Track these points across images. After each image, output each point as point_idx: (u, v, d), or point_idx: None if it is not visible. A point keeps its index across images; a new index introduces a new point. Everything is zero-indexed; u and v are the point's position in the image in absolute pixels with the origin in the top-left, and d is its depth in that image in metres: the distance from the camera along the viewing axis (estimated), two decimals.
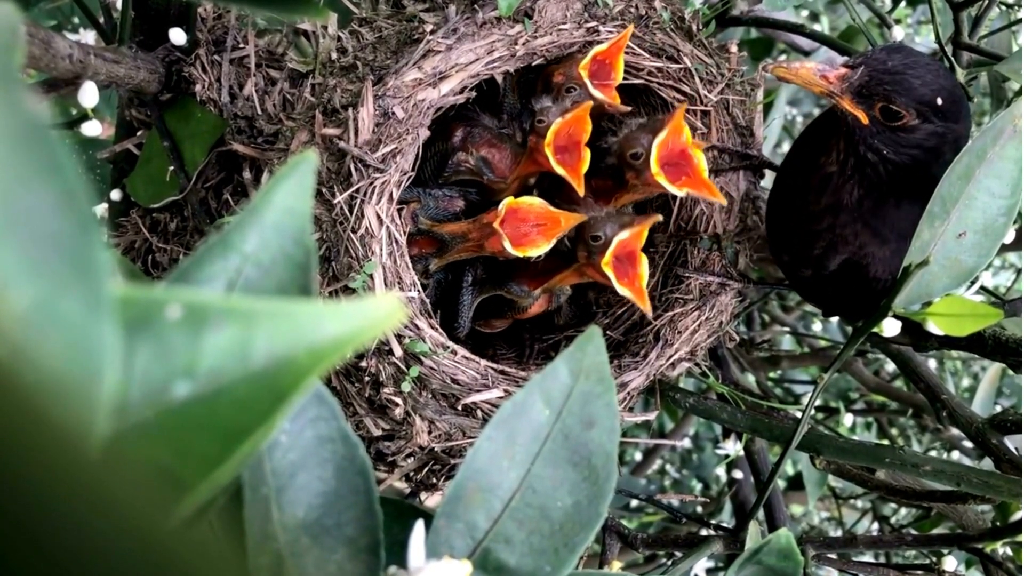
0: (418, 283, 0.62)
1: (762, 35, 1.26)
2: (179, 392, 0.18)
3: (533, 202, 0.64)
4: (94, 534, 0.12)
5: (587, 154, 0.64)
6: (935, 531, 0.98)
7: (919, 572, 0.66)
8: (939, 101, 0.54)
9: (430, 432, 0.63)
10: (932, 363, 1.28)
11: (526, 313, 0.74)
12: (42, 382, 0.15)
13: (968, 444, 1.13)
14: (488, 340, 0.79)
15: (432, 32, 0.61)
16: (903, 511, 1.50)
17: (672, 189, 0.64)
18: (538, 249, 0.63)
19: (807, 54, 1.08)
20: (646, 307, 0.64)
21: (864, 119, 0.56)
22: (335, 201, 0.58)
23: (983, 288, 0.72)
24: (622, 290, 0.64)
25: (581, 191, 0.64)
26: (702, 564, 0.82)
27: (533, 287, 0.71)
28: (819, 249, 0.61)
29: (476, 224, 0.66)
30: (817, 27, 1.39)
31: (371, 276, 0.59)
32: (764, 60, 1.26)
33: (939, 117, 0.55)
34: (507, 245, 0.62)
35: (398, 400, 0.61)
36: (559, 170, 0.64)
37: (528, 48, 0.63)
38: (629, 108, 0.68)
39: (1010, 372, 0.75)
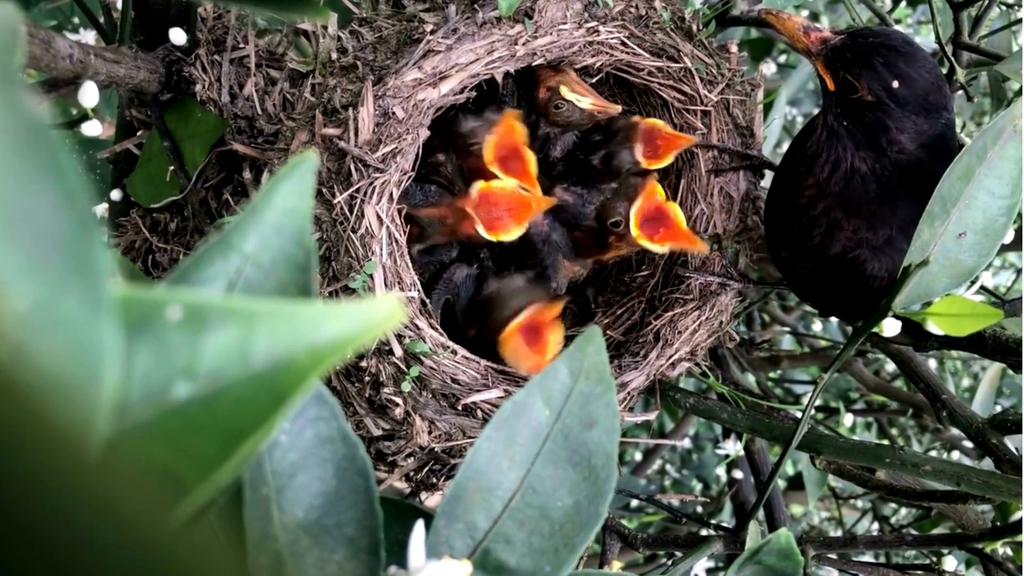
0: (418, 283, 0.62)
1: (762, 35, 1.26)
2: (179, 393, 0.18)
3: (505, 186, 0.65)
4: (94, 535, 0.12)
5: (531, 155, 0.66)
6: (935, 531, 0.98)
7: (919, 572, 0.66)
8: (895, 84, 0.56)
9: (430, 432, 0.63)
10: (932, 363, 1.28)
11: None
12: (42, 382, 0.15)
13: (968, 444, 1.13)
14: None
15: (432, 32, 0.61)
16: (903, 511, 1.50)
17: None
18: (510, 234, 0.64)
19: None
20: (699, 246, 0.66)
21: (831, 85, 0.59)
22: (335, 201, 0.58)
23: (983, 288, 0.72)
24: (664, 248, 0.66)
25: (538, 191, 0.66)
26: (702, 564, 0.82)
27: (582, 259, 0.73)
28: (818, 236, 0.62)
29: (451, 208, 0.66)
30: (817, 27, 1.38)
31: (371, 276, 0.59)
32: (764, 59, 1.26)
33: (895, 102, 0.56)
34: (480, 229, 0.63)
35: (398, 400, 0.61)
36: (509, 180, 0.65)
37: (528, 48, 0.63)
38: (619, 109, 0.70)
39: (1010, 372, 0.75)
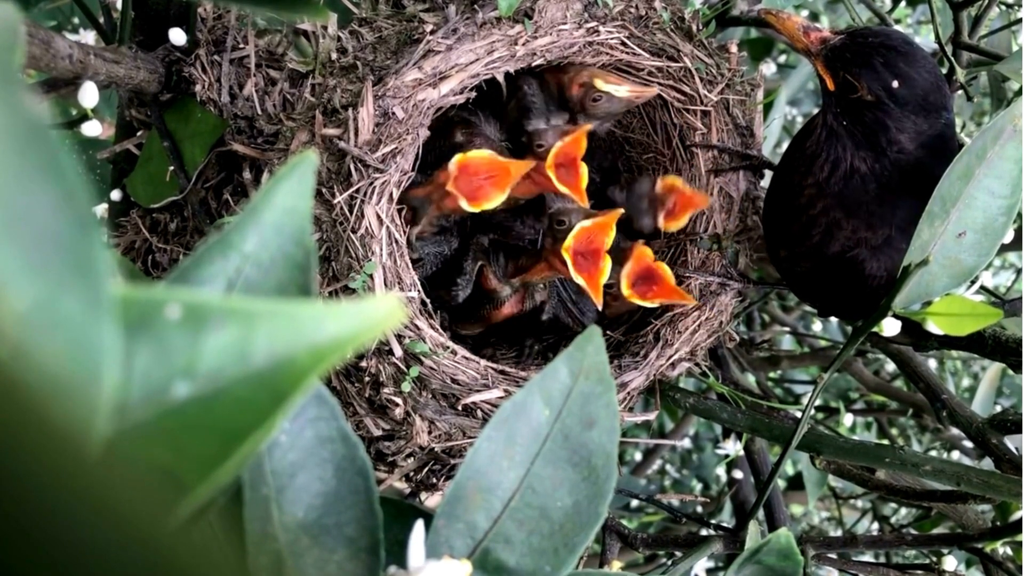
0: (418, 283, 0.62)
1: (762, 35, 1.26)
2: (179, 392, 0.18)
3: (482, 154, 0.65)
4: (94, 535, 0.12)
5: (584, 169, 0.67)
6: (935, 531, 0.98)
7: (919, 572, 0.66)
8: (895, 84, 0.56)
9: (430, 432, 0.63)
10: (932, 363, 1.28)
11: (500, 312, 0.75)
12: (42, 382, 0.15)
13: (968, 444, 1.13)
14: (487, 340, 0.79)
15: (432, 32, 0.61)
16: (903, 511, 1.50)
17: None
18: (491, 202, 0.64)
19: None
20: (598, 300, 0.66)
21: (831, 85, 0.59)
22: (335, 201, 0.58)
23: (983, 288, 0.72)
24: (577, 278, 0.65)
25: (585, 203, 0.67)
26: (702, 564, 0.82)
27: (511, 276, 0.74)
28: (817, 236, 0.62)
29: (434, 185, 0.66)
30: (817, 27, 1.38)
31: (371, 276, 0.59)
32: (764, 59, 1.26)
33: (895, 102, 0.56)
34: (463, 203, 0.64)
35: (398, 400, 0.61)
36: (563, 189, 0.66)
37: (528, 48, 0.63)
38: (656, 90, 0.71)
39: (1010, 372, 0.75)
